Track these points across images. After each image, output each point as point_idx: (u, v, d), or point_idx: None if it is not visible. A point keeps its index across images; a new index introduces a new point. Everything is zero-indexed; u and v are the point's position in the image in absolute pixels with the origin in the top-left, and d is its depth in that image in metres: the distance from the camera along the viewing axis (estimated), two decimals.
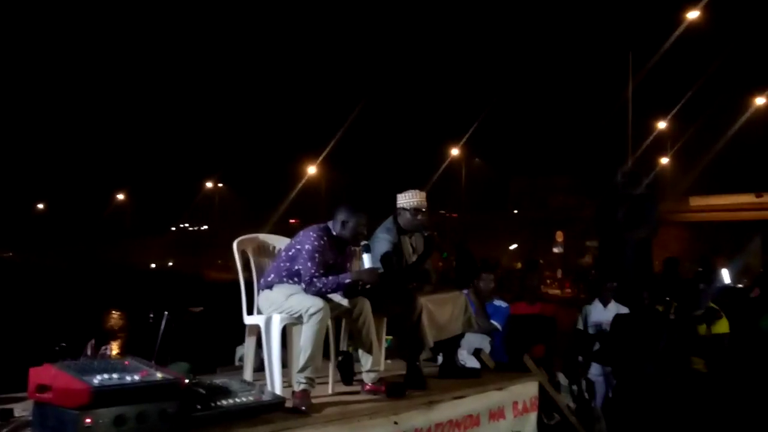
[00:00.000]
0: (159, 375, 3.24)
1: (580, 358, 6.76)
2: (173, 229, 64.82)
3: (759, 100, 31.42)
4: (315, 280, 4.07)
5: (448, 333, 4.75)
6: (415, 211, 4.77)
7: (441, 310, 4.69)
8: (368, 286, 4.20)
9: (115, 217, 60.45)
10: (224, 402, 3.38)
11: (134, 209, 62.48)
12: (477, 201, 48.18)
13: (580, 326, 7.22)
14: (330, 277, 4.10)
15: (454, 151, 42.68)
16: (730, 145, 32.65)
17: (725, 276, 12.93)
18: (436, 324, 4.60)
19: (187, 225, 66.74)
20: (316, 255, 4.12)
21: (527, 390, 5.01)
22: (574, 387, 6.06)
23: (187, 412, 3.21)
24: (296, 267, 4.18)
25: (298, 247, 4.19)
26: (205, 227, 64.62)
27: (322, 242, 4.17)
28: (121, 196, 61.39)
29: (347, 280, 4.12)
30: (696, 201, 36.73)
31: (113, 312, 23.38)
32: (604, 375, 6.84)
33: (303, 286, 4.11)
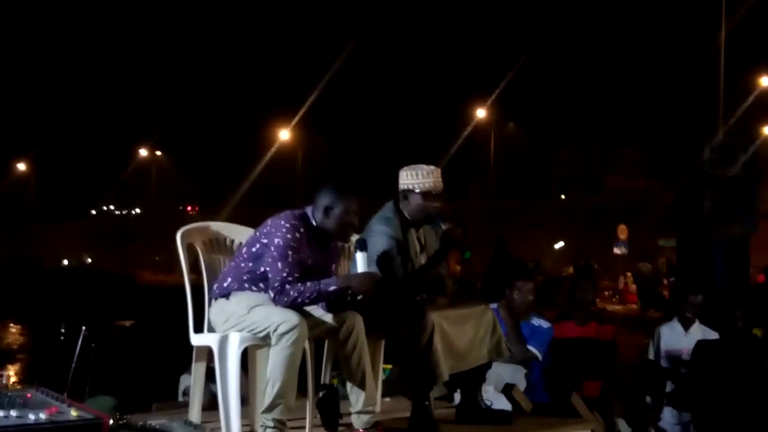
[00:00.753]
0: (73, 413, 3.24)
1: (649, 399, 6.78)
2: (94, 212, 64.86)
3: None
4: (288, 286, 4.07)
5: (469, 362, 4.75)
6: (427, 195, 4.75)
7: (460, 331, 4.69)
8: (360, 297, 4.20)
9: (14, 196, 60.41)
10: None
11: (40, 185, 62.43)
12: (510, 181, 48.28)
13: (651, 356, 7.24)
14: (309, 284, 4.11)
15: (480, 113, 42.61)
16: None
17: None
18: (453, 350, 4.61)
19: (112, 207, 66.77)
20: (290, 252, 4.12)
21: None
22: None
23: None
24: (262, 269, 4.18)
25: (265, 241, 4.20)
26: (138, 211, 64.65)
27: (297, 235, 4.17)
28: (22, 167, 61.26)
29: (332, 287, 4.12)
30: None
31: (11, 325, 23.44)
32: (681, 423, 6.87)
33: (271, 294, 4.12)
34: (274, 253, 4.12)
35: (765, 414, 6.29)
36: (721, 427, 6.25)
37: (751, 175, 12.13)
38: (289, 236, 4.14)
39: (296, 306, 4.09)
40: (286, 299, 4.07)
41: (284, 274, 4.09)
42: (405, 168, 4.80)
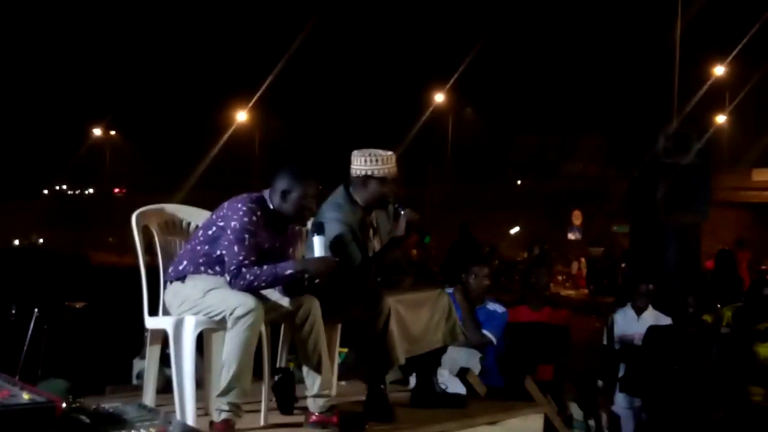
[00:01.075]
0: (25, 396, 3.21)
1: (601, 383, 6.87)
2: (45, 192, 63.93)
3: None
4: (244, 270, 4.06)
5: (424, 346, 4.77)
6: (385, 180, 4.73)
7: (415, 315, 4.71)
8: (318, 281, 4.20)
9: None
10: None
11: None
12: (468, 167, 48.44)
13: (605, 341, 7.34)
14: (265, 267, 4.10)
15: (438, 97, 42.70)
16: None
17: None
18: (409, 334, 4.63)
19: (65, 187, 65.86)
20: (246, 236, 4.10)
21: (529, 425, 5.07)
22: (591, 422, 6.19)
23: None
24: (218, 252, 4.17)
25: (222, 224, 4.17)
26: (91, 191, 63.88)
27: (254, 218, 4.16)
28: None
29: (288, 271, 4.11)
30: (761, 174, 37.39)
31: None
32: (633, 408, 6.97)
33: (227, 278, 4.10)
34: (231, 237, 4.11)
35: (713, 398, 6.41)
36: (671, 411, 6.36)
37: (705, 163, 12.31)
38: (245, 219, 4.12)
39: (253, 290, 4.08)
40: (242, 283, 4.06)
41: (240, 258, 4.07)
42: (359, 152, 4.75)
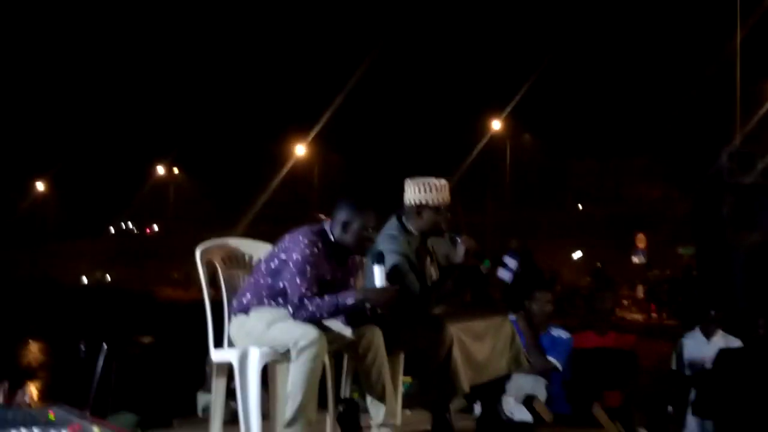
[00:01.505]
0: (96, 430, 3.26)
1: (671, 408, 6.74)
2: (112, 230, 65.14)
3: None
4: (306, 301, 4.09)
5: (489, 374, 4.75)
6: (439, 209, 4.73)
7: (479, 344, 4.69)
8: (380, 311, 4.21)
9: (34, 215, 60.78)
10: None
11: (59, 203, 62.80)
12: (526, 193, 48.20)
13: (674, 366, 7.21)
14: (327, 297, 4.12)
15: (495, 124, 42.61)
16: None
17: None
18: (472, 362, 4.61)
19: (130, 225, 67.04)
20: (308, 267, 4.13)
21: None
22: None
23: None
24: (281, 284, 4.20)
25: (284, 257, 4.21)
26: (156, 228, 64.89)
27: (315, 250, 4.19)
28: (41, 186, 61.70)
29: (350, 301, 4.13)
30: None
31: (31, 343, 23.56)
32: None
33: (290, 309, 4.13)
34: (293, 269, 4.14)
35: None
36: None
37: None
38: (307, 251, 4.16)
39: (315, 320, 4.10)
40: (304, 314, 4.09)
41: (303, 289, 4.10)
42: (412, 181, 4.75)
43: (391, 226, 4.78)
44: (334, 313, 4.15)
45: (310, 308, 4.08)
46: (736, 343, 6.93)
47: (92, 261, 55.52)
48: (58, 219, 62.06)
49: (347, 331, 4.24)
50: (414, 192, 4.73)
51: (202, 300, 4.46)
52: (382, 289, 4.22)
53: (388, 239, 4.69)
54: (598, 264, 26.62)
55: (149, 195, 58.21)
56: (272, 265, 4.26)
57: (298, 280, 4.12)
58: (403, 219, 4.78)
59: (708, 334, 7.11)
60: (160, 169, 58.39)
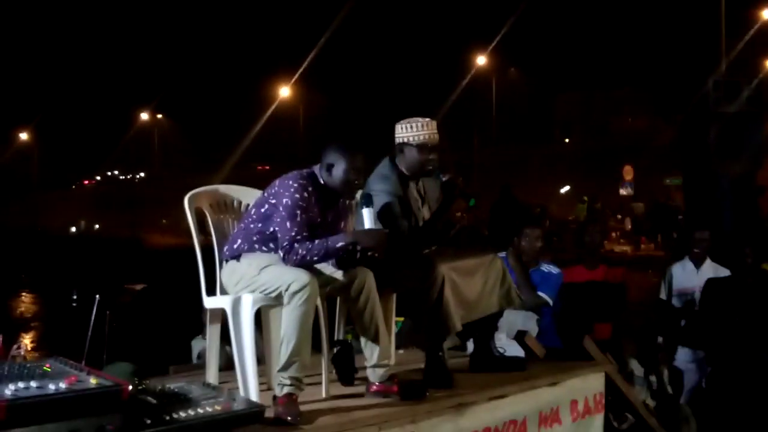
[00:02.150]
0: (93, 381, 3.27)
1: (661, 339, 6.82)
2: (98, 178, 64.89)
3: None
4: (297, 245, 4.08)
5: (480, 311, 4.78)
6: (423, 147, 4.72)
7: (470, 282, 4.71)
8: (370, 253, 4.21)
9: (18, 166, 60.38)
10: (182, 414, 3.43)
11: (43, 153, 62.35)
12: (513, 128, 48.09)
13: (663, 296, 7.27)
14: (317, 241, 4.11)
15: (480, 59, 42.27)
16: None
17: None
18: (464, 300, 4.64)
19: (116, 172, 66.77)
20: (298, 212, 4.12)
21: (590, 384, 5.07)
22: (653, 378, 6.15)
23: (133, 429, 3.25)
24: (271, 229, 4.20)
25: (273, 201, 4.20)
26: (142, 175, 64.65)
27: (305, 194, 4.17)
28: (24, 136, 61.20)
29: (340, 244, 4.13)
30: None
31: (23, 294, 23.59)
32: (695, 361, 6.91)
33: (281, 254, 4.13)
34: (283, 213, 4.13)
35: None
36: (734, 362, 6.30)
37: (756, 110, 12.08)
38: (297, 196, 4.14)
39: (306, 264, 4.10)
40: (295, 258, 4.09)
41: (293, 233, 4.10)
42: (401, 122, 4.78)
43: (384, 166, 4.78)
44: (324, 257, 4.15)
45: (301, 252, 4.08)
46: (724, 272, 6.98)
47: (79, 210, 55.34)
48: (43, 169, 61.65)
49: (339, 275, 4.25)
50: (399, 131, 4.77)
51: (193, 246, 4.46)
52: (371, 231, 4.22)
53: (379, 179, 4.71)
54: (585, 198, 26.73)
55: (134, 142, 57.87)
56: (262, 211, 4.24)
57: (288, 225, 4.11)
58: (396, 160, 4.78)
59: (697, 264, 7.16)
60: (144, 116, 57.94)
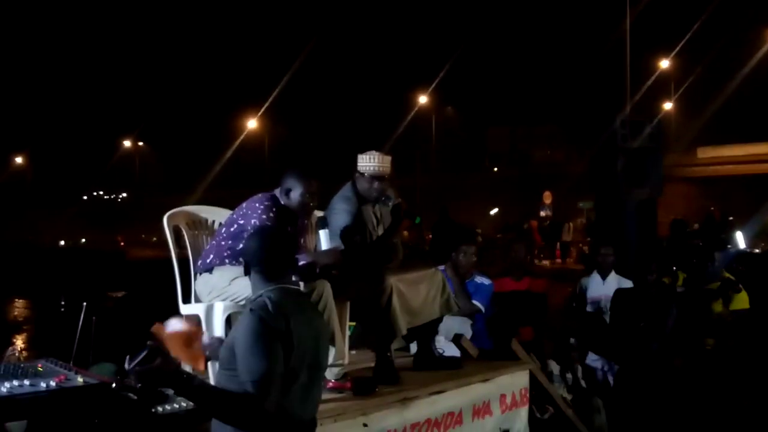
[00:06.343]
0: (80, 379, 3.22)
1: (573, 340, 6.88)
2: (85, 197, 63.85)
3: None
4: None
5: (423, 317, 4.79)
6: (373, 179, 4.74)
7: (414, 291, 4.72)
8: (330, 269, 4.20)
9: (13, 186, 59.19)
10: (161, 408, 3.38)
11: (36, 175, 61.25)
12: (449, 157, 48.41)
13: (573, 303, 7.33)
14: None
15: (422, 99, 42.64)
16: (743, 87, 33.16)
17: (740, 240, 13.29)
18: (409, 307, 4.64)
19: (101, 193, 65.81)
20: None
21: (516, 380, 5.10)
22: (569, 375, 6.20)
23: (117, 422, 3.19)
24: (240, 245, 4.15)
25: (242, 222, 4.17)
26: (124, 195, 63.83)
27: (271, 214, 4.15)
28: (19, 160, 60.12)
29: (301, 263, 4.10)
30: (705, 152, 37.39)
31: (16, 300, 23.03)
32: (604, 360, 6.97)
33: None
34: (251, 232, 4.10)
35: (673, 349, 6.43)
36: (636, 361, 6.37)
37: (656, 146, 12.35)
38: (264, 216, 4.13)
39: None
40: None
41: None
42: (362, 153, 4.81)
43: (346, 189, 4.82)
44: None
45: None
46: (627, 283, 7.03)
47: (68, 226, 54.39)
48: (35, 189, 60.59)
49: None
50: (358, 160, 4.80)
51: (170, 258, 4.41)
52: (328, 252, 4.22)
53: (342, 199, 4.74)
54: (525, 225, 27.02)
55: (118, 166, 57.26)
56: (232, 229, 4.22)
57: None
58: (357, 184, 4.80)
59: (603, 276, 7.22)
60: (127, 143, 57.53)
